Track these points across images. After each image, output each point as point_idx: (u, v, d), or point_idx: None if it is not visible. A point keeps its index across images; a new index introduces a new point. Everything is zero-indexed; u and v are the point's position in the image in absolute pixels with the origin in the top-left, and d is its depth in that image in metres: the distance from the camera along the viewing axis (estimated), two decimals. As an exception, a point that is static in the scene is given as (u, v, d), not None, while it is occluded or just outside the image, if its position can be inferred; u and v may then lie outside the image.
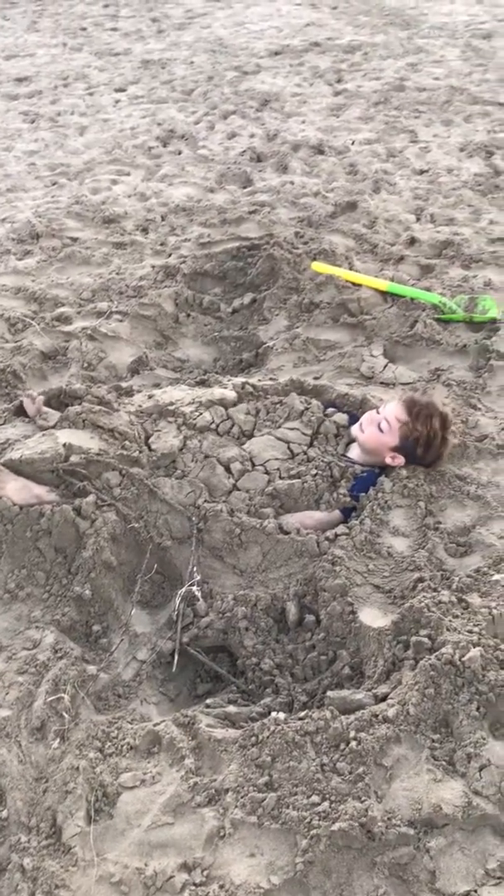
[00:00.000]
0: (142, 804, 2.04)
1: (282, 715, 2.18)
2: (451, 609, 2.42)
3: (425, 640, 2.31)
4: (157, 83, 7.85)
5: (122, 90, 7.74)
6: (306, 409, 3.19)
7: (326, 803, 1.97)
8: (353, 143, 6.27)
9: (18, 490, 2.72)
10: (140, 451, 2.91)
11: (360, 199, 5.24)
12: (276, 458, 3.02)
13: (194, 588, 2.66)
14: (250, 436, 3.12)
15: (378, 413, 3.04)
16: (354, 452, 3.09)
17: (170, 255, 4.70)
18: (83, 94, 7.67)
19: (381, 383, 3.58)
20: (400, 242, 4.77)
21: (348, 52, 8.46)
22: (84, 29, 9.81)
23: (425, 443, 2.96)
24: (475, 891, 1.82)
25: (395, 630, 2.40)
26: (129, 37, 9.41)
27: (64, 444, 2.83)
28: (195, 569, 2.71)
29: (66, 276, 4.55)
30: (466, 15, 9.51)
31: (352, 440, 3.12)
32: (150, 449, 2.95)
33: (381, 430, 2.98)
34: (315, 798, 1.98)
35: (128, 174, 5.92)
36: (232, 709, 2.34)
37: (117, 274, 4.54)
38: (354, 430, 3.08)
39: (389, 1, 10.29)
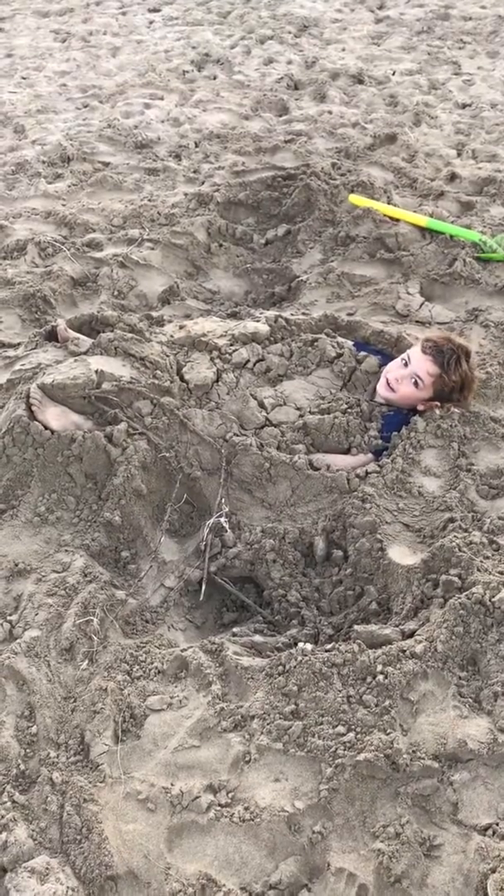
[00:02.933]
0: (168, 727, 2.07)
1: (309, 646, 2.19)
2: (482, 550, 2.41)
3: (455, 579, 2.30)
4: (192, 4, 7.58)
5: (156, 10, 7.49)
6: (339, 355, 3.12)
7: (352, 734, 1.98)
8: (393, 74, 6.06)
9: (57, 416, 2.71)
10: (172, 381, 2.88)
11: (399, 131, 5.08)
12: (307, 398, 2.99)
13: (222, 519, 2.66)
14: (283, 378, 3.07)
15: (405, 367, 2.93)
16: (382, 396, 3.04)
17: (203, 183, 4.60)
18: (116, 13, 7.43)
19: (417, 322, 3.51)
20: (440, 178, 4.64)
21: (392, -23, 8.11)
22: None
23: (460, 388, 2.91)
24: (497, 824, 1.84)
25: (424, 568, 2.40)
26: (164, -46, 9.06)
27: (96, 371, 2.80)
28: (223, 500, 2.70)
29: (97, 202, 4.47)
30: None
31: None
32: (182, 379, 2.91)
33: (416, 388, 2.91)
34: (341, 728, 2.00)
35: (161, 98, 5.76)
36: (258, 638, 2.36)
37: (149, 201, 4.45)
38: (382, 390, 2.97)
39: None
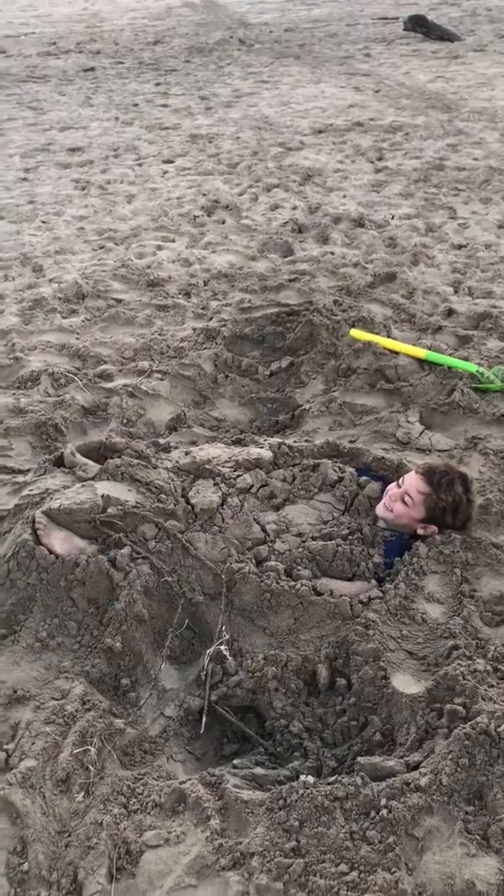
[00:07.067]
0: (165, 864, 1.99)
1: (311, 778, 2.14)
2: (487, 678, 2.38)
3: (460, 708, 2.26)
4: (203, 156, 8.13)
5: (170, 162, 8.03)
6: (340, 479, 3.18)
7: (355, 873, 1.91)
8: (392, 218, 6.42)
9: (62, 540, 2.75)
10: (176, 504, 2.93)
11: (398, 270, 5.34)
12: (310, 524, 3.03)
13: (223, 647, 2.64)
14: (285, 502, 3.13)
15: (399, 487, 3.02)
16: (383, 523, 3.08)
17: (211, 319, 4.80)
18: (132, 164, 7.96)
19: (417, 449, 3.58)
20: (438, 313, 4.84)
21: (390, 133, 8.72)
22: (136, 105, 10.23)
23: (453, 509, 2.95)
24: None
25: (428, 697, 2.36)
26: (179, 113, 9.80)
27: (102, 496, 2.86)
28: (225, 628, 2.69)
29: (109, 336, 4.66)
30: (506, 100, 9.79)
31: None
32: (188, 503, 2.96)
33: (406, 505, 2.96)
34: (343, 867, 1.93)
35: (173, 241, 6.09)
36: (259, 770, 2.30)
37: (159, 335, 4.64)
38: (380, 510, 3.03)
39: (431, 86, 10.63)
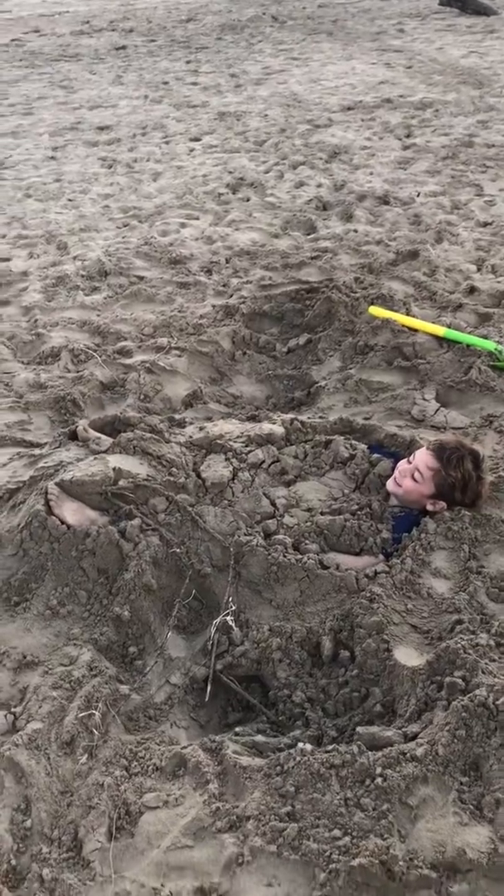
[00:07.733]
0: (163, 825, 2.04)
1: (308, 746, 2.17)
2: (489, 652, 2.39)
3: (459, 681, 2.28)
4: (231, 134, 8.10)
5: (197, 139, 8.02)
6: (352, 456, 3.19)
7: (348, 838, 1.94)
8: (418, 195, 6.35)
9: (74, 511, 2.81)
10: (187, 478, 2.97)
11: (421, 248, 5.30)
12: (320, 499, 3.04)
13: (229, 618, 2.67)
14: (296, 479, 3.14)
15: (409, 462, 3.02)
16: (394, 499, 3.08)
17: (231, 296, 4.81)
18: (160, 142, 7.96)
19: (432, 426, 3.57)
20: (459, 291, 4.80)
21: (419, 109, 8.61)
22: (166, 83, 10.21)
23: (462, 486, 2.94)
24: (496, 940, 1.76)
25: (429, 670, 2.38)
26: (208, 91, 9.76)
27: (114, 468, 2.90)
28: (231, 599, 2.73)
29: (129, 313, 4.70)
30: (540, 75, 9.60)
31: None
32: (198, 477, 3.00)
33: (415, 481, 2.96)
34: (336, 832, 1.96)
35: (196, 218, 6.10)
36: (260, 738, 2.34)
37: (179, 312, 4.66)
38: (390, 485, 3.03)
39: (464, 61, 10.46)
